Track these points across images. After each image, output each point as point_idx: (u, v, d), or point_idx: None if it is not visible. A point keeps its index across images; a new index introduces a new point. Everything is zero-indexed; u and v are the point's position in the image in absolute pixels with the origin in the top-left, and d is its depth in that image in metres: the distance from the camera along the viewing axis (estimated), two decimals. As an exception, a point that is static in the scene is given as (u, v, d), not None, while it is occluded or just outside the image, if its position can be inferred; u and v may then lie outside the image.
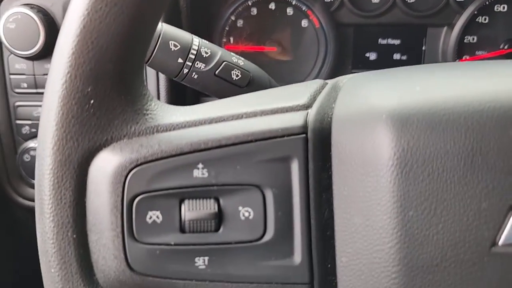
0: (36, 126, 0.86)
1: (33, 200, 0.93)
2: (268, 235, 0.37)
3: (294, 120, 0.38)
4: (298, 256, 0.37)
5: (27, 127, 0.87)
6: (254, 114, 0.39)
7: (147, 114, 0.38)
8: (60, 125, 0.35)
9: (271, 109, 0.40)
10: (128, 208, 0.35)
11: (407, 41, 0.96)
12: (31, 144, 0.86)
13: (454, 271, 0.33)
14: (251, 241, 0.37)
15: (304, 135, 0.38)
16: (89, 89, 0.35)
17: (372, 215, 0.35)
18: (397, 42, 0.96)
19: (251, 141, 0.37)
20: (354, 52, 0.97)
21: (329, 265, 0.38)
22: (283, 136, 0.38)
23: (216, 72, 0.55)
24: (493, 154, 0.33)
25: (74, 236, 0.36)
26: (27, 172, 0.88)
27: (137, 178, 0.36)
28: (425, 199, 0.34)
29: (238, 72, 0.55)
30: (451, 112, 0.34)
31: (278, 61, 0.96)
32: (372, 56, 0.96)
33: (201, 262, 0.36)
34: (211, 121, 0.39)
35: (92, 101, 0.35)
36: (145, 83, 0.39)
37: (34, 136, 0.87)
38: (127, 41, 0.35)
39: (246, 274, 0.37)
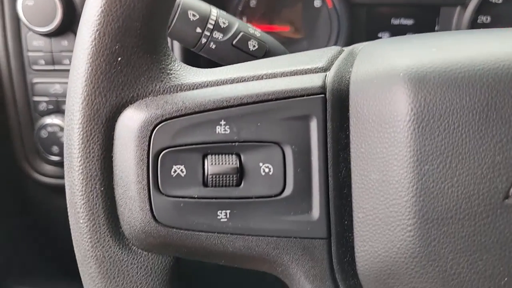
0: (53, 103, 0.88)
1: (50, 177, 0.95)
2: (287, 191, 0.38)
3: (313, 81, 0.39)
4: (316, 212, 0.39)
5: (44, 104, 0.88)
6: (274, 75, 0.41)
7: (171, 74, 0.39)
8: (89, 81, 0.36)
9: (291, 71, 0.41)
10: (153, 162, 0.37)
11: (420, 21, 0.96)
12: (48, 120, 0.88)
13: (468, 223, 0.35)
14: (270, 196, 0.38)
15: (322, 95, 0.39)
16: (116, 47, 0.36)
17: (389, 170, 0.36)
18: (410, 22, 0.97)
19: (271, 100, 0.38)
20: (367, 32, 0.97)
21: (345, 222, 0.39)
22: (302, 95, 0.39)
23: (234, 42, 0.56)
24: (508, 108, 0.34)
25: (102, 188, 0.37)
26: (44, 148, 0.89)
27: (162, 133, 0.37)
28: (441, 153, 0.35)
29: (255, 42, 0.56)
30: (467, 70, 0.35)
31: (291, 41, 0.97)
32: (385, 36, 0.96)
33: (223, 215, 0.38)
34: (232, 81, 0.40)
35: (119, 58, 0.37)
36: (168, 45, 0.40)
37: (51, 112, 0.89)
38: (153, 0, 0.36)
39: (266, 228, 0.38)
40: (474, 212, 0.34)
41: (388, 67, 0.38)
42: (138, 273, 0.38)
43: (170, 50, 0.40)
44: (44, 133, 0.88)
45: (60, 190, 0.95)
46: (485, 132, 0.34)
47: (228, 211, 0.38)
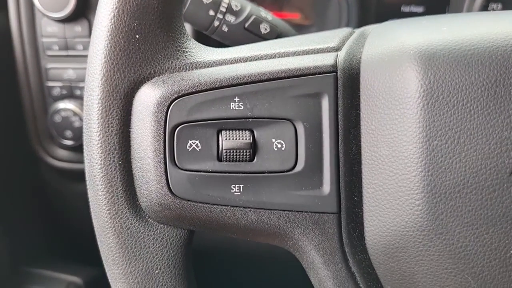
0: (67, 88, 0.89)
1: (64, 161, 0.97)
2: (299, 166, 0.40)
3: (325, 59, 0.40)
4: (327, 187, 0.40)
5: (58, 89, 0.90)
6: (287, 54, 0.42)
7: (187, 52, 0.40)
8: (108, 58, 0.38)
9: (303, 50, 0.42)
10: (170, 136, 0.38)
11: (430, 8, 0.96)
12: (61, 105, 0.89)
13: (475, 197, 0.36)
14: (283, 171, 0.39)
15: (334, 74, 0.40)
16: (135, 24, 0.37)
17: (398, 145, 0.37)
18: (420, 9, 0.97)
19: (284, 77, 0.39)
20: (376, 20, 0.98)
21: (355, 198, 0.40)
22: (314, 74, 0.40)
23: (246, 25, 0.57)
24: None
25: (120, 162, 0.39)
26: (58, 132, 0.91)
27: (178, 109, 0.38)
28: (450, 129, 0.36)
29: (267, 26, 0.57)
30: (476, 47, 0.36)
31: (301, 28, 0.97)
32: (395, 23, 0.97)
33: (236, 189, 0.39)
34: (246, 59, 0.41)
35: (137, 36, 0.38)
36: (183, 24, 0.42)
37: (64, 97, 0.90)
38: None
39: (278, 202, 0.39)
40: (481, 186, 0.35)
41: (398, 46, 0.39)
42: (154, 245, 0.40)
43: (185, 28, 0.41)
44: (58, 118, 0.90)
45: (73, 175, 0.97)
46: (493, 108, 0.35)
47: (241, 185, 0.39)
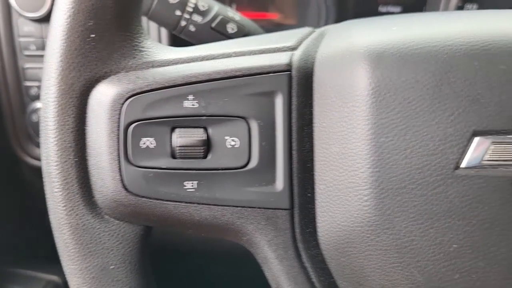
0: (44, 87, 0.90)
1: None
2: (253, 163, 0.40)
3: (280, 59, 0.41)
4: (280, 184, 0.40)
5: (35, 89, 0.90)
6: (243, 53, 0.42)
7: (144, 51, 0.41)
8: (64, 57, 0.38)
9: (259, 49, 0.43)
10: (124, 134, 0.39)
11: (407, 8, 0.97)
12: (39, 104, 0.90)
13: (420, 192, 0.36)
14: (236, 168, 0.40)
15: (288, 72, 0.41)
16: (90, 23, 0.38)
17: (348, 142, 0.38)
18: (397, 9, 0.98)
19: (239, 76, 0.40)
20: (354, 20, 0.98)
21: (308, 194, 0.41)
22: (268, 72, 0.40)
23: (212, 25, 0.57)
24: (460, 83, 0.36)
25: (76, 159, 0.39)
26: (36, 132, 0.91)
27: (133, 106, 0.39)
28: (396, 126, 0.37)
29: (234, 26, 0.58)
30: (423, 46, 0.37)
31: (280, 28, 0.98)
32: (372, 24, 0.97)
33: (190, 185, 0.39)
34: (202, 58, 0.42)
35: (93, 35, 0.38)
36: (142, 23, 0.42)
37: (42, 97, 0.90)
38: None
39: (232, 198, 0.40)
40: (426, 182, 0.36)
41: (350, 45, 0.39)
42: (110, 241, 0.40)
43: (143, 28, 0.42)
44: (35, 117, 0.90)
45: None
46: (438, 105, 0.36)
47: (195, 182, 0.39)
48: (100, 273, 0.40)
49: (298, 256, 0.41)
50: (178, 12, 0.56)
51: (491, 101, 0.36)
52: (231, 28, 0.58)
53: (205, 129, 0.40)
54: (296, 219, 0.41)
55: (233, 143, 0.40)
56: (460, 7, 0.94)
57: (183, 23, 0.57)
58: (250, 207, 0.40)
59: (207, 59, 0.42)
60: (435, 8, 0.96)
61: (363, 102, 0.37)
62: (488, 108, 0.36)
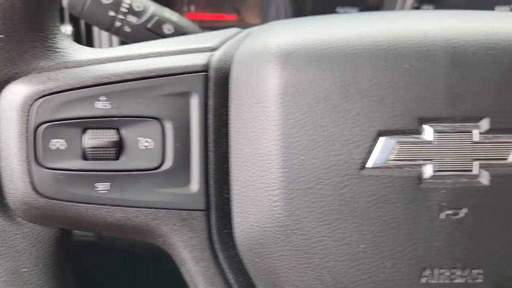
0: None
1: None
2: (167, 164, 0.40)
3: (197, 59, 0.41)
4: (195, 185, 0.40)
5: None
6: (160, 54, 0.42)
7: (58, 52, 0.41)
8: None
9: (179, 50, 0.42)
10: (33, 135, 0.38)
11: (364, 10, 0.98)
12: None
13: (328, 193, 0.36)
14: (150, 169, 0.40)
15: (205, 73, 0.40)
16: None
17: (259, 143, 0.38)
18: (355, 11, 0.98)
19: (152, 77, 0.40)
20: (311, 21, 0.98)
21: (225, 195, 0.41)
22: (184, 73, 0.40)
23: (148, 26, 0.57)
24: (365, 83, 0.36)
25: None
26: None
27: (43, 108, 0.38)
28: (303, 126, 0.36)
29: (170, 26, 0.57)
30: (331, 47, 0.37)
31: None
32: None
33: (102, 187, 0.39)
34: (118, 59, 0.41)
35: (1, 36, 0.38)
36: (58, 23, 0.42)
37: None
38: None
39: (145, 200, 0.40)
40: (333, 182, 0.36)
41: (263, 45, 0.39)
42: (22, 243, 0.40)
43: (59, 28, 0.42)
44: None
45: None
46: (344, 106, 0.36)
47: (107, 184, 0.39)
48: (11, 276, 0.40)
49: (215, 257, 0.41)
50: (111, 13, 0.55)
51: (396, 101, 0.36)
52: (167, 29, 0.57)
53: (118, 130, 0.39)
54: (213, 220, 0.40)
55: (146, 144, 0.40)
56: (416, 8, 0.94)
57: (117, 23, 0.56)
58: (164, 209, 0.40)
59: (123, 60, 0.41)
60: (391, 9, 0.96)
61: (272, 103, 0.37)
62: (393, 108, 0.36)
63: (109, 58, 0.41)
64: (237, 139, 0.39)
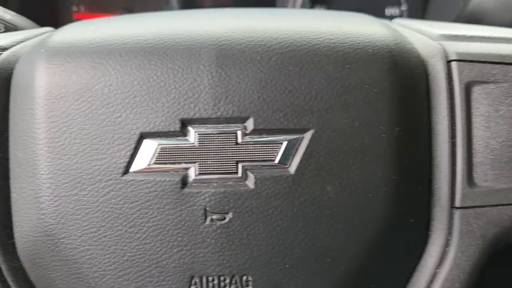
0: None
1: None
2: None
3: None
4: None
5: None
6: None
7: None
8: None
9: None
10: None
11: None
12: None
13: (92, 199, 0.34)
14: None
15: None
16: None
17: (28, 148, 0.36)
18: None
19: None
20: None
21: (7, 205, 0.38)
22: None
23: (-23, 25, 0.54)
24: (130, 84, 0.34)
25: None
26: None
27: None
28: (67, 129, 0.35)
29: (1, 26, 0.55)
30: (97, 46, 0.35)
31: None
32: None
33: None
34: None
35: None
36: None
37: None
38: None
39: None
40: (96, 188, 0.34)
41: (39, 45, 0.37)
42: None
43: None
44: None
45: None
46: (107, 107, 0.34)
47: None
48: None
49: None
50: None
51: (159, 102, 0.34)
52: (-3, 28, 0.55)
53: None
54: None
55: None
56: (311, 8, 0.94)
57: None
58: None
59: None
60: (283, 6, 0.96)
61: (38, 104, 0.35)
62: (155, 109, 0.34)
63: None
64: (13, 144, 0.37)
